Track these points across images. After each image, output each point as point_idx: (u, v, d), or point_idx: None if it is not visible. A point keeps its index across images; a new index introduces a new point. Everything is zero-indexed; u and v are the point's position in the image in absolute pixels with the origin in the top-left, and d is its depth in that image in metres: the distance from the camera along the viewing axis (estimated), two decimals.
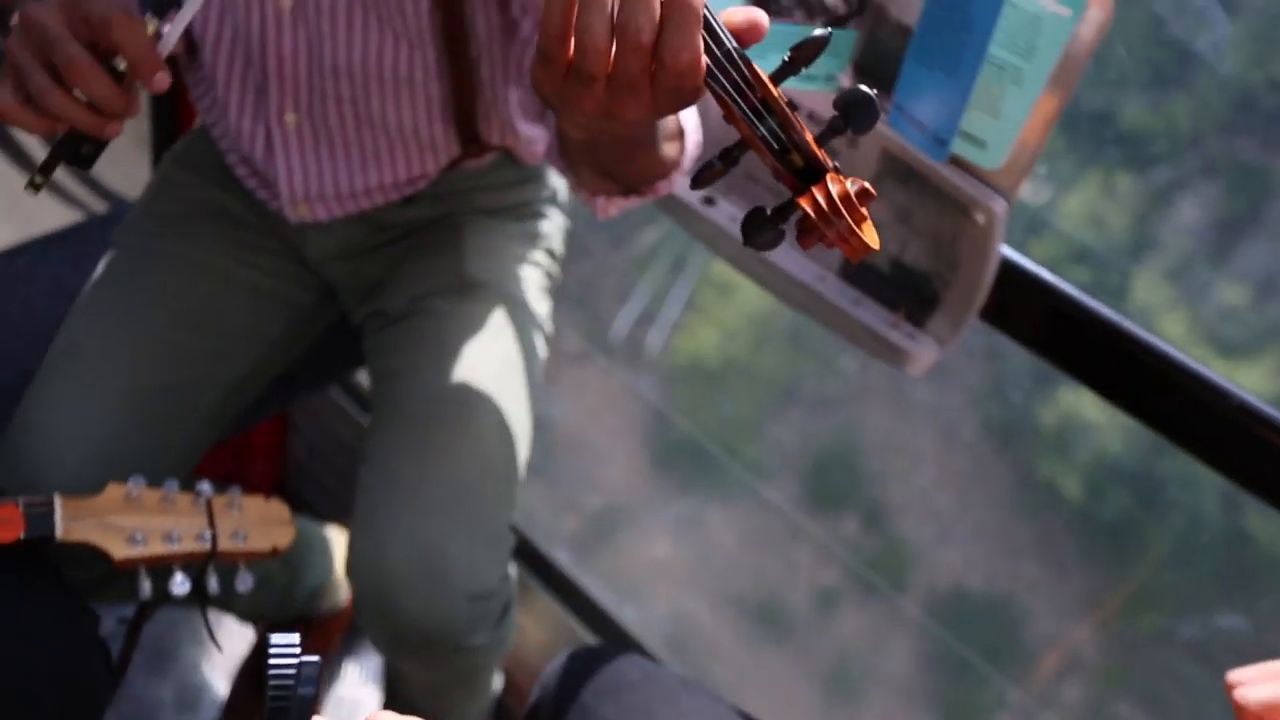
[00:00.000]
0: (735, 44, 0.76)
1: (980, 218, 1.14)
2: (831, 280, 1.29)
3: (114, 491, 1.15)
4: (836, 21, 1.17)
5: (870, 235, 0.74)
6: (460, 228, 1.42)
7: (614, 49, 0.75)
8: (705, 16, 0.75)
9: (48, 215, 2.01)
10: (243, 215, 1.43)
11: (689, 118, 1.11)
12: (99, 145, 0.97)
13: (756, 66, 0.75)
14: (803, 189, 0.75)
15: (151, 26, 0.91)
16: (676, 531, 2.03)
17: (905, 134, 1.16)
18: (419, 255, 1.41)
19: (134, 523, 1.14)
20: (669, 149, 1.06)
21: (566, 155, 1.07)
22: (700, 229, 1.38)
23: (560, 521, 2.10)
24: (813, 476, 1.87)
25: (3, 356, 1.43)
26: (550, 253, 1.49)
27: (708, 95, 0.77)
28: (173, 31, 0.93)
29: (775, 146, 0.75)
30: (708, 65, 0.75)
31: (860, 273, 1.27)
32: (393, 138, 1.31)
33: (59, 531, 1.11)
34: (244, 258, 1.40)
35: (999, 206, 1.13)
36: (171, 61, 1.75)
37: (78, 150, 0.96)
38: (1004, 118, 1.11)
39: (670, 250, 1.96)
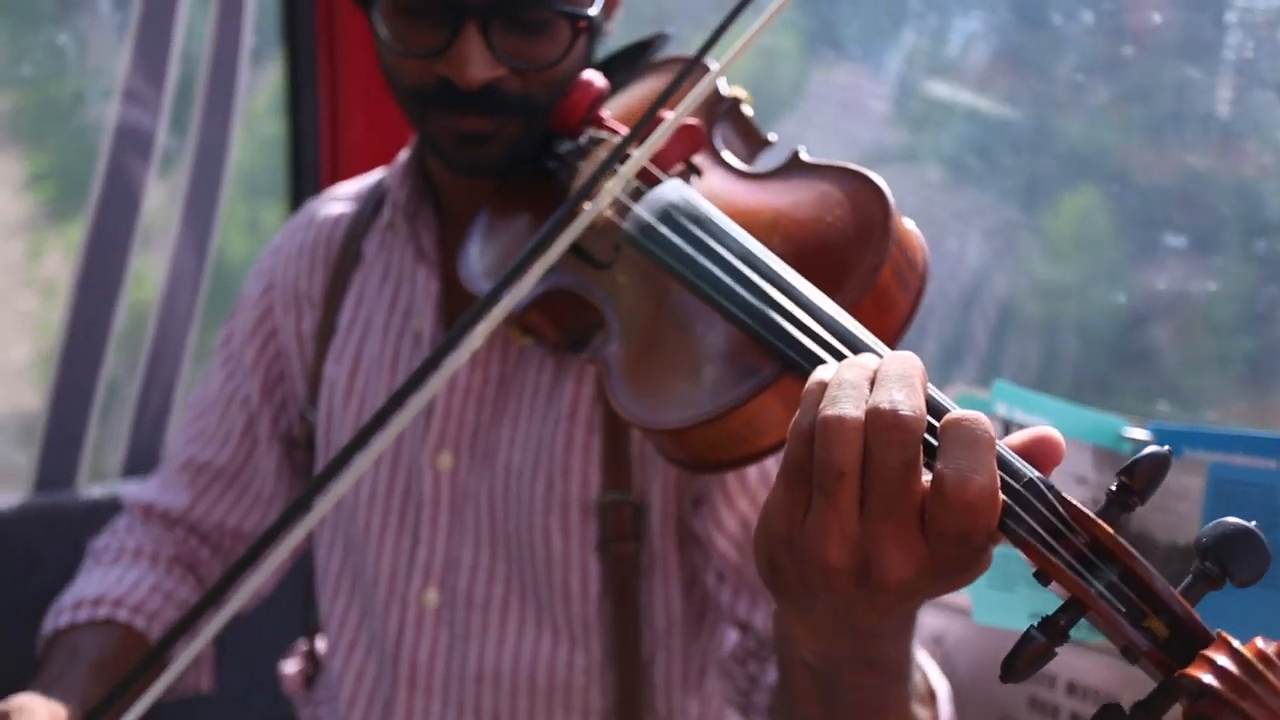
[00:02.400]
0: (1037, 472, 0.57)
1: None
2: None
3: None
4: None
5: None
6: None
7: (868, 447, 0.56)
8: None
9: None
10: None
11: (940, 682, 0.86)
12: None
13: (1073, 500, 0.56)
14: (1180, 663, 0.52)
15: None
16: None
17: None
18: None
19: None
20: (921, 713, 0.79)
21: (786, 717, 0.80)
22: None
23: None
24: None
25: None
26: None
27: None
28: None
29: (1123, 609, 0.54)
30: (1004, 503, 0.56)
31: None
32: None
33: None
34: None
35: None
36: (282, 702, 1.56)
37: None
38: None
39: None
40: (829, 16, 1.52)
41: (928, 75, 1.48)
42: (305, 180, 1.76)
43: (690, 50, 1.04)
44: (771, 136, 0.98)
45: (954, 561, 0.56)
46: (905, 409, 0.55)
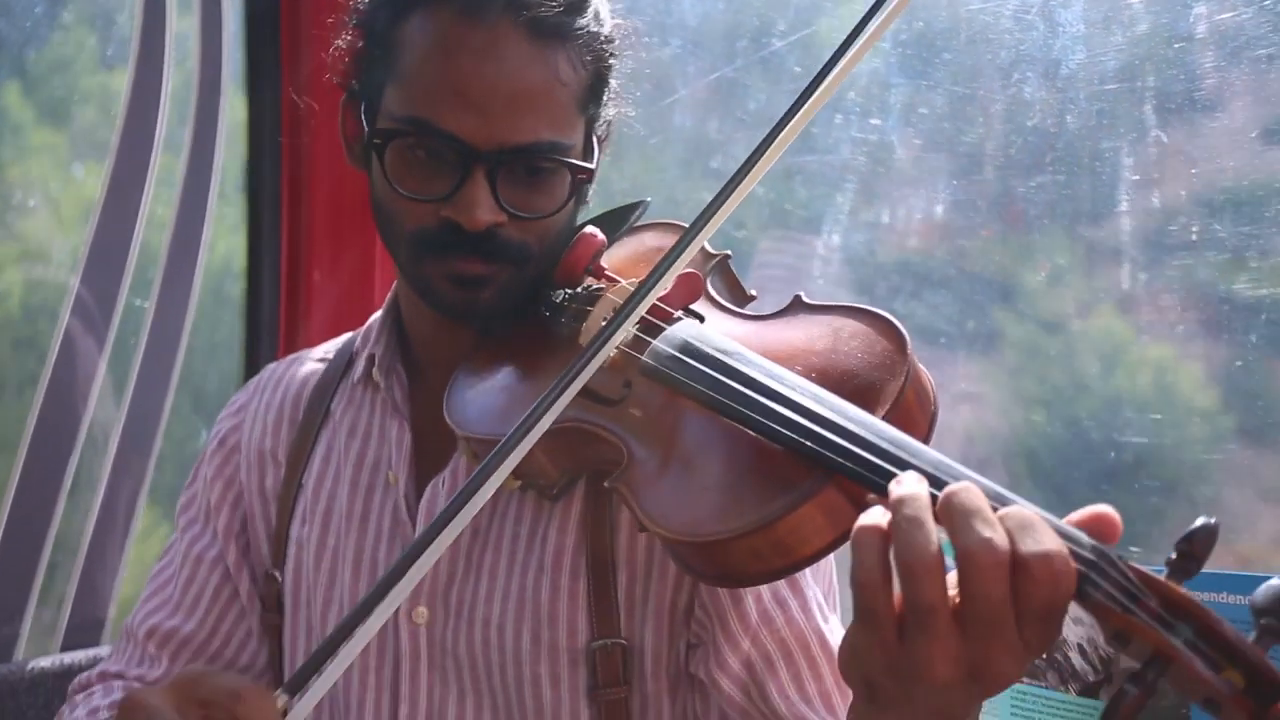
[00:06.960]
0: (1097, 542, 0.62)
1: None
2: None
3: None
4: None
5: None
6: None
7: (959, 576, 0.61)
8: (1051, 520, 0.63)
9: None
10: None
11: None
12: None
13: (1138, 566, 0.61)
14: (1264, 706, 0.57)
15: (281, 702, 0.73)
16: None
17: None
18: None
19: None
20: None
21: None
22: None
23: None
24: None
25: None
26: None
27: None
28: (304, 706, 0.74)
29: (1203, 661, 0.58)
30: (1079, 573, 0.61)
31: None
32: None
33: None
34: None
35: None
36: None
37: None
38: None
39: None
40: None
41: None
42: (263, 345, 1.76)
43: (662, 217, 1.11)
44: (752, 292, 1.04)
45: (1043, 639, 0.61)
46: (999, 544, 0.60)
